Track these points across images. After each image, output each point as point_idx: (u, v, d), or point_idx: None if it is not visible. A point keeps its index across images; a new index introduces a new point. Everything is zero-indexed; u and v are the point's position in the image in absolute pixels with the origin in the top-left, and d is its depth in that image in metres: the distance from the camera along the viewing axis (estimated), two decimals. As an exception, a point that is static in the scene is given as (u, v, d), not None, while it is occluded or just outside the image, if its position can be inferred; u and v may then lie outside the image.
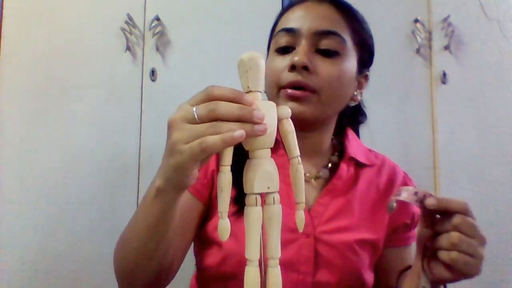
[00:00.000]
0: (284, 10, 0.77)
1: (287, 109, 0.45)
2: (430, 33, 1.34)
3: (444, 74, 1.33)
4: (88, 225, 1.11)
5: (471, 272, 0.52)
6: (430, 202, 0.53)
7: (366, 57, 0.77)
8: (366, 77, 0.79)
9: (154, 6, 1.19)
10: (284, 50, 0.71)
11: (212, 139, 0.40)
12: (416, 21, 1.32)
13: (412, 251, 0.81)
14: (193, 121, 0.42)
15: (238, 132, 0.39)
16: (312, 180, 0.75)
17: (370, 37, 0.77)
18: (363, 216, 0.74)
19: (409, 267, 0.73)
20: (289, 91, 0.67)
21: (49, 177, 1.10)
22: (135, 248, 0.56)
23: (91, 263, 1.10)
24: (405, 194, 0.54)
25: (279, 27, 0.74)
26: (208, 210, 0.73)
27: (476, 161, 1.33)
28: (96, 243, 1.11)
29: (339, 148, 0.81)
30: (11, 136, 1.09)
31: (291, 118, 0.61)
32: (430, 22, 1.34)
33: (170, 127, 0.44)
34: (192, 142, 0.41)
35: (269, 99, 0.70)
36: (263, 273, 0.42)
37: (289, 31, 0.70)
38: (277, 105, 0.61)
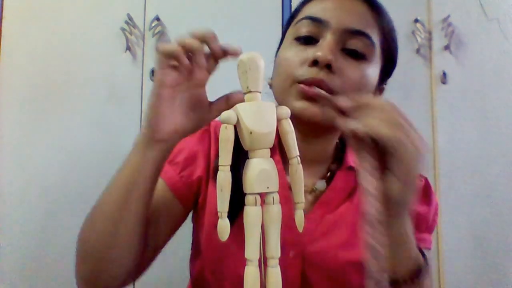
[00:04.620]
0: None
1: (286, 109, 0.45)
2: (430, 33, 1.34)
3: (444, 74, 1.33)
4: (88, 225, 1.11)
5: (413, 155, 0.46)
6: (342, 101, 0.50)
7: (389, 68, 0.69)
8: (382, 90, 0.70)
9: (154, 6, 1.19)
10: (306, 40, 0.62)
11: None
12: (416, 21, 1.32)
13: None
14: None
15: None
16: (307, 193, 0.67)
17: (397, 46, 0.69)
18: (358, 230, 0.64)
19: None
20: (305, 87, 0.58)
21: (49, 176, 1.10)
22: (100, 222, 0.54)
23: (91, 263, 1.10)
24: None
25: (302, 14, 0.65)
26: (196, 220, 0.69)
27: (476, 161, 1.33)
28: (96, 243, 1.11)
29: (339, 154, 0.72)
30: (11, 136, 1.10)
31: (301, 119, 0.58)
32: (430, 22, 1.34)
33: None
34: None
35: (278, 91, 0.64)
36: (263, 273, 0.42)
37: (316, 20, 0.61)
38: (287, 99, 0.58)
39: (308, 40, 0.62)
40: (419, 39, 1.32)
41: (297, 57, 0.61)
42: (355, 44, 0.61)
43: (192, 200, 0.67)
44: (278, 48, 0.70)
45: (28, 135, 1.10)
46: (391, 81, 1.42)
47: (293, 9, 1.33)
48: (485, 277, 1.29)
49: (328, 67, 0.58)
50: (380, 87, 0.68)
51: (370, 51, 0.62)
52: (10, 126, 1.10)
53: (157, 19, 1.18)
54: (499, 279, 1.31)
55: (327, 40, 0.60)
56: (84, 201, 1.12)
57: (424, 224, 0.69)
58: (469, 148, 1.33)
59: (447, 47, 1.33)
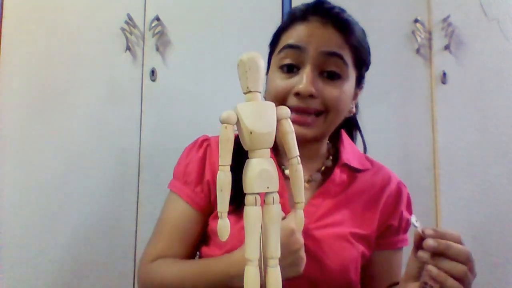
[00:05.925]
0: (285, 26, 0.77)
1: (286, 110, 0.45)
2: (430, 33, 1.34)
3: (444, 74, 1.33)
4: (88, 225, 1.11)
5: None
6: (428, 232, 0.59)
7: (363, 73, 0.79)
8: (361, 89, 0.81)
9: (154, 6, 1.19)
10: (289, 68, 0.72)
11: None
12: (416, 21, 1.32)
13: (400, 257, 0.83)
14: None
15: None
16: (305, 183, 0.77)
17: (369, 53, 0.78)
18: (354, 215, 0.77)
19: (395, 284, 0.75)
20: (295, 116, 0.69)
21: (49, 177, 1.10)
22: None
23: (91, 263, 1.10)
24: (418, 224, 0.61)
25: (283, 43, 0.74)
26: (210, 214, 0.79)
27: (476, 161, 1.33)
28: (96, 243, 1.11)
29: (333, 152, 0.83)
30: (11, 136, 1.09)
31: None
32: (430, 22, 1.34)
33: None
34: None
35: None
36: (262, 273, 0.42)
37: (295, 47, 0.71)
38: None
39: (291, 68, 0.72)
40: (419, 39, 1.32)
41: (283, 86, 0.71)
42: (330, 65, 0.71)
43: (210, 204, 0.77)
44: (268, 67, 0.79)
45: (28, 135, 1.10)
46: (391, 81, 1.42)
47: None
48: (485, 277, 1.29)
49: (310, 96, 0.69)
50: (359, 86, 0.79)
51: (343, 70, 0.72)
52: (10, 126, 1.10)
53: (157, 19, 1.18)
54: (499, 279, 1.31)
55: (306, 72, 0.70)
56: (84, 201, 1.13)
57: (407, 228, 0.83)
58: (469, 148, 1.33)
59: (447, 47, 1.33)
